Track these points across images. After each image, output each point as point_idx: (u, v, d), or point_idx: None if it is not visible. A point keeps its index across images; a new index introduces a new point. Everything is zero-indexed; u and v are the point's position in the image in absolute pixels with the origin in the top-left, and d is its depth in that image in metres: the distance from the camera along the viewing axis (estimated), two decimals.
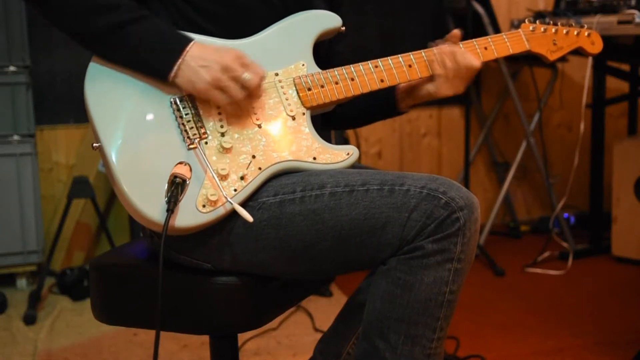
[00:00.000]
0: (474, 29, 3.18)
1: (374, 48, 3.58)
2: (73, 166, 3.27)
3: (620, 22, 2.70)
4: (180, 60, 1.28)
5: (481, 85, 3.86)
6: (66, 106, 3.27)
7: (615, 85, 3.69)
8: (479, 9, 3.32)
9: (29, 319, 2.70)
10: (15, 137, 2.98)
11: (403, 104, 1.54)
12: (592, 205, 3.51)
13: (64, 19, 1.29)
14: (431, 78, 1.47)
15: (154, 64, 1.29)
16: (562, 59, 3.72)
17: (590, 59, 2.91)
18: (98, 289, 1.44)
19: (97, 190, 3.15)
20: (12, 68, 2.95)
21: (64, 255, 3.20)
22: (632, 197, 3.17)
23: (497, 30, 3.33)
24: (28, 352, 2.45)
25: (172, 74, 1.29)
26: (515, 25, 3.29)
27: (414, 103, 1.53)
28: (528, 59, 3.37)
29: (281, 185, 1.32)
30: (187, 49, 1.29)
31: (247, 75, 1.29)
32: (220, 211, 1.28)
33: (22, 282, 3.10)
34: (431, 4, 3.70)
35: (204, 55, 1.29)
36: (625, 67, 3.50)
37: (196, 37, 1.34)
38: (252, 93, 1.31)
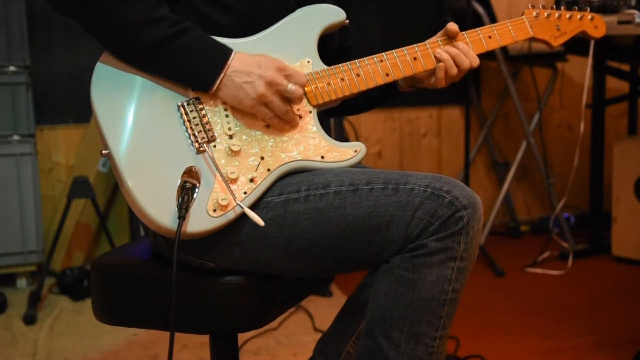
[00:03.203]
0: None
1: (374, 48, 3.57)
2: (73, 166, 3.28)
3: (620, 22, 2.70)
4: (222, 75, 1.29)
5: (481, 85, 3.86)
6: (66, 106, 3.27)
7: (615, 85, 3.69)
8: (479, 9, 3.32)
9: (29, 319, 2.70)
10: (15, 137, 2.98)
11: (404, 85, 1.54)
12: (592, 205, 3.51)
13: (108, 33, 1.28)
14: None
15: (196, 78, 1.31)
16: (563, 58, 3.72)
17: (590, 59, 2.91)
18: (99, 289, 1.44)
19: (97, 190, 3.15)
20: (12, 68, 2.95)
21: (64, 255, 3.20)
22: (632, 197, 3.17)
23: None
24: (28, 352, 2.45)
25: (214, 88, 1.31)
26: None
27: (414, 85, 1.54)
28: (528, 59, 3.37)
29: (286, 185, 1.33)
30: (229, 62, 1.30)
31: (291, 87, 1.31)
32: (231, 215, 1.28)
33: (22, 282, 3.10)
34: (431, 4, 3.70)
35: (247, 69, 1.30)
36: (625, 67, 3.50)
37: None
38: (296, 102, 1.33)
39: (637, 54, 3.12)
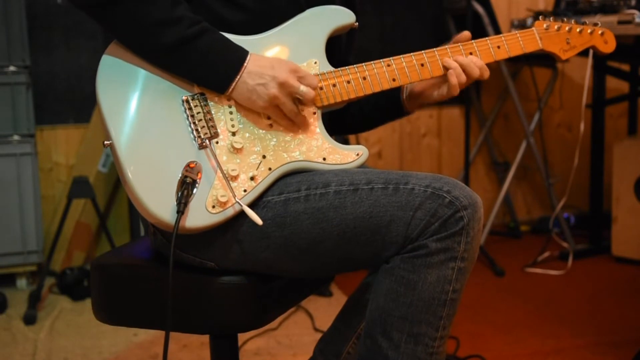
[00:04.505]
0: (474, 29, 3.17)
1: (374, 48, 3.58)
2: (73, 166, 3.28)
3: (620, 22, 2.70)
4: (238, 77, 1.30)
5: (481, 85, 3.86)
6: (66, 106, 3.27)
7: (615, 85, 3.69)
8: (479, 9, 3.32)
9: (29, 319, 2.70)
10: (15, 137, 2.98)
11: (409, 105, 1.54)
12: (592, 205, 3.51)
13: (127, 32, 1.29)
14: (437, 82, 1.47)
15: (213, 80, 1.31)
16: None
17: (590, 59, 2.91)
18: (99, 289, 1.44)
19: (97, 190, 3.15)
20: (12, 68, 2.95)
21: (64, 255, 3.20)
22: (632, 197, 3.17)
23: (497, 30, 3.33)
24: (28, 352, 2.45)
25: (230, 90, 1.31)
26: (516, 25, 3.29)
27: (421, 104, 1.53)
28: (529, 59, 3.37)
29: (286, 184, 1.33)
30: (245, 64, 1.30)
31: (303, 89, 1.31)
32: (229, 212, 1.28)
33: (22, 282, 3.10)
34: (431, 4, 3.70)
35: (261, 71, 1.30)
36: (625, 67, 3.50)
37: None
38: (307, 104, 1.33)
39: (637, 54, 3.12)
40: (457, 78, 1.42)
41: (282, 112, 1.32)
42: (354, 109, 1.56)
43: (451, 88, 1.44)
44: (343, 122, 1.59)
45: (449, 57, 1.44)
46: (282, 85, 1.30)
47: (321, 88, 1.38)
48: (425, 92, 1.50)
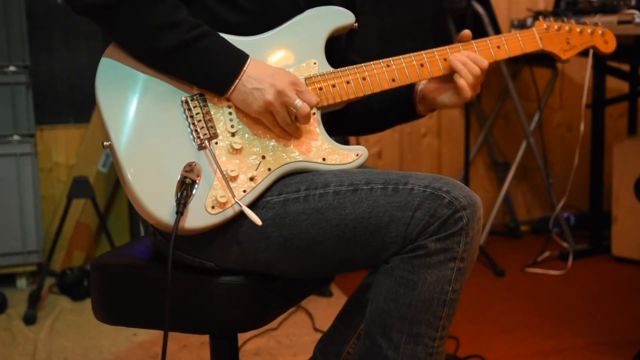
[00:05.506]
0: (474, 29, 3.17)
1: (373, 48, 3.58)
2: (73, 166, 3.27)
3: (620, 22, 2.70)
4: (237, 80, 1.30)
5: (481, 85, 3.85)
6: (66, 106, 3.27)
7: (615, 85, 3.69)
8: (479, 9, 3.32)
9: (29, 319, 2.70)
10: (15, 137, 2.98)
11: (421, 108, 1.54)
12: (592, 205, 3.51)
13: (128, 36, 1.29)
14: (446, 85, 1.47)
15: (213, 83, 1.32)
16: None
17: (590, 59, 2.91)
18: (99, 289, 1.44)
19: (97, 190, 3.15)
20: (12, 68, 2.95)
21: (64, 255, 3.20)
22: (632, 197, 3.17)
23: (497, 30, 3.33)
24: (28, 352, 2.45)
25: (229, 93, 1.32)
26: (516, 25, 3.29)
27: (432, 107, 1.53)
28: (528, 59, 3.36)
29: (285, 184, 1.33)
30: (245, 68, 1.30)
31: (298, 102, 1.31)
32: (229, 212, 1.28)
33: (22, 282, 3.10)
34: (431, 4, 3.70)
35: (260, 77, 1.30)
36: (625, 67, 3.50)
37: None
38: (301, 120, 1.33)
39: (637, 54, 3.12)
40: (464, 79, 1.43)
41: (277, 120, 1.32)
42: (362, 111, 1.56)
43: (462, 91, 1.44)
44: (344, 122, 1.59)
45: (451, 57, 1.44)
46: (279, 93, 1.30)
47: (320, 89, 1.38)
48: (434, 95, 1.50)
